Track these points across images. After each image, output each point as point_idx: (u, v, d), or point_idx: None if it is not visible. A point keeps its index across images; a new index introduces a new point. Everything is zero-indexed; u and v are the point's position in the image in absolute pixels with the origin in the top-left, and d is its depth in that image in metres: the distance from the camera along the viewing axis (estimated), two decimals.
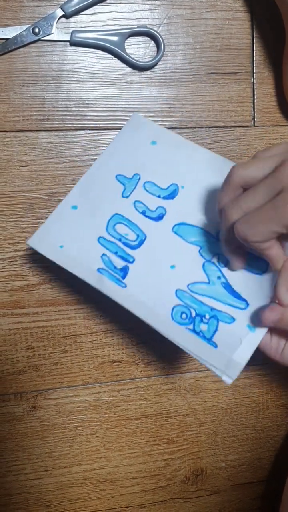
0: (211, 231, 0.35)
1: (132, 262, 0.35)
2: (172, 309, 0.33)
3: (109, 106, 0.43)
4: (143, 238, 0.35)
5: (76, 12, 0.41)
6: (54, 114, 0.42)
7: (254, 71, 0.45)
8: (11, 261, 0.42)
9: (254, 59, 0.45)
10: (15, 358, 0.43)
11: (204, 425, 0.48)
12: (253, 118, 0.45)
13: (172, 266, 0.34)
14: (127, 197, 0.37)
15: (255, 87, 0.45)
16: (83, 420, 0.45)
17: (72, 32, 0.41)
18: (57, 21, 0.41)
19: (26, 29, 0.40)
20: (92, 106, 0.42)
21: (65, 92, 0.42)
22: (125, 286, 0.34)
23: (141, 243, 0.35)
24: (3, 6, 0.40)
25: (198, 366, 0.47)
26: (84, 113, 0.42)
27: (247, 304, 0.33)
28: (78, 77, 0.42)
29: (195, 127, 0.44)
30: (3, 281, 0.42)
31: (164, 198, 0.37)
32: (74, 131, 0.42)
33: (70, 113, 0.42)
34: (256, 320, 0.32)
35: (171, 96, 0.44)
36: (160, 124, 0.44)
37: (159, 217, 0.36)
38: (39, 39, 0.41)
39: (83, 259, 0.35)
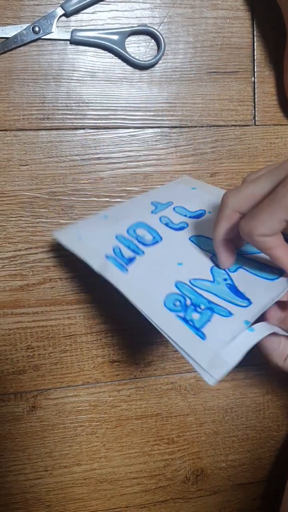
0: None
1: (140, 255, 0.35)
2: (167, 296, 0.31)
3: (110, 105, 0.43)
4: (159, 240, 0.36)
5: (77, 11, 0.41)
6: (54, 113, 0.42)
7: (255, 70, 0.45)
8: (11, 261, 0.42)
9: (255, 58, 0.45)
10: (15, 358, 0.43)
11: (204, 425, 0.48)
12: (254, 117, 0.45)
13: (180, 263, 0.34)
14: (155, 213, 0.39)
15: (255, 86, 0.45)
16: (83, 420, 0.45)
17: (73, 31, 0.41)
18: (57, 20, 0.40)
19: (26, 28, 0.40)
20: (92, 105, 0.42)
21: (65, 91, 0.42)
22: (127, 272, 0.33)
23: (155, 243, 0.36)
24: (3, 4, 0.40)
25: None
26: (84, 112, 0.42)
27: (250, 303, 0.30)
28: (78, 76, 0.42)
29: (195, 126, 0.44)
30: (3, 280, 0.42)
31: (190, 217, 0.38)
32: (74, 130, 0.42)
33: (70, 112, 0.42)
34: (259, 319, 0.30)
35: (171, 95, 0.43)
36: (160, 124, 0.43)
37: (180, 229, 0.37)
38: (39, 38, 0.40)
39: (95, 247, 0.36)
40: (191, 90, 0.44)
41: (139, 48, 0.43)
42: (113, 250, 0.35)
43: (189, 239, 0.36)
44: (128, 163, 0.43)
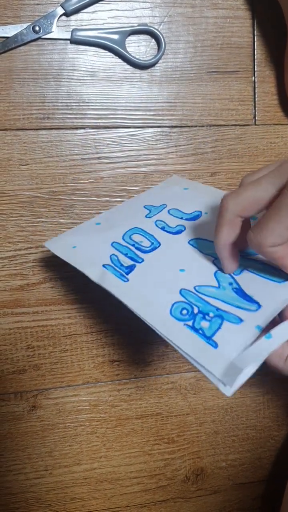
0: None
1: (140, 262, 0.33)
2: (173, 305, 0.29)
3: (110, 104, 0.42)
4: (157, 246, 0.35)
5: (77, 10, 0.41)
6: (55, 112, 0.42)
7: (255, 69, 0.45)
8: (11, 260, 0.42)
9: (255, 57, 0.45)
10: (15, 358, 0.43)
11: (204, 425, 0.48)
12: (254, 117, 0.45)
13: (182, 270, 0.32)
14: (150, 217, 0.37)
15: (256, 86, 0.45)
16: (83, 419, 0.45)
17: (73, 31, 0.41)
18: (57, 19, 0.40)
19: (26, 27, 0.40)
20: (92, 104, 0.42)
21: (66, 91, 0.42)
22: (127, 281, 0.32)
23: (154, 249, 0.34)
24: (3, 4, 0.40)
25: None
26: (84, 112, 0.42)
27: (259, 306, 0.28)
28: (79, 76, 0.42)
29: (196, 126, 0.44)
30: (3, 280, 0.42)
31: (186, 219, 0.37)
32: (75, 129, 0.42)
33: (71, 112, 0.42)
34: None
35: (171, 94, 0.43)
36: (160, 123, 0.43)
37: (177, 232, 0.35)
38: (39, 38, 0.40)
39: (91, 256, 0.34)
40: (191, 90, 0.44)
41: (139, 47, 0.43)
42: (110, 258, 0.34)
43: (188, 242, 0.34)
44: (128, 162, 0.43)
